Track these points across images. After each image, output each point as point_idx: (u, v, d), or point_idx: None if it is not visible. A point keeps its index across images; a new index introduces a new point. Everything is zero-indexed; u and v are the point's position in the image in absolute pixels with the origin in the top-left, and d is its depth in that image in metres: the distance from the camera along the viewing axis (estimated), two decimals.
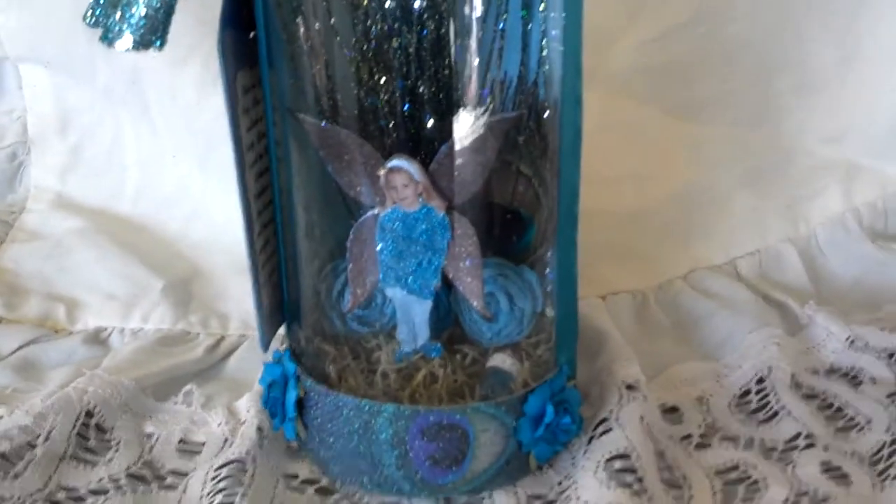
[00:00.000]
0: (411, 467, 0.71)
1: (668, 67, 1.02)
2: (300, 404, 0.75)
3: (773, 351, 0.89)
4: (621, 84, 1.00)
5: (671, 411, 0.85)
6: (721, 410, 0.86)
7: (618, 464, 0.72)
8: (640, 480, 0.70)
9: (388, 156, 0.67)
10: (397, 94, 0.68)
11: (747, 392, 0.87)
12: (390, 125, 0.69)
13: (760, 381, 0.87)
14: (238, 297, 1.01)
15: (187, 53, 0.99)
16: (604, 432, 0.76)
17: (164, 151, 1.07)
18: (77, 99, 1.07)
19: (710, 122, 1.06)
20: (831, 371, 0.90)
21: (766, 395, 0.86)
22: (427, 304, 0.72)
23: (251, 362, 0.92)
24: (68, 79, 1.05)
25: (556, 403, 0.74)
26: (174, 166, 1.07)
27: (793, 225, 1.09)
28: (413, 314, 0.73)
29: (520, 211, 0.75)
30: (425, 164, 0.67)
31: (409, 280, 0.71)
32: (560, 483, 0.75)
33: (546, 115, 0.72)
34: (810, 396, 0.86)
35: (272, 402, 0.77)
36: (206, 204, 1.07)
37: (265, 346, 0.77)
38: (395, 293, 0.72)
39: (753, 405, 0.86)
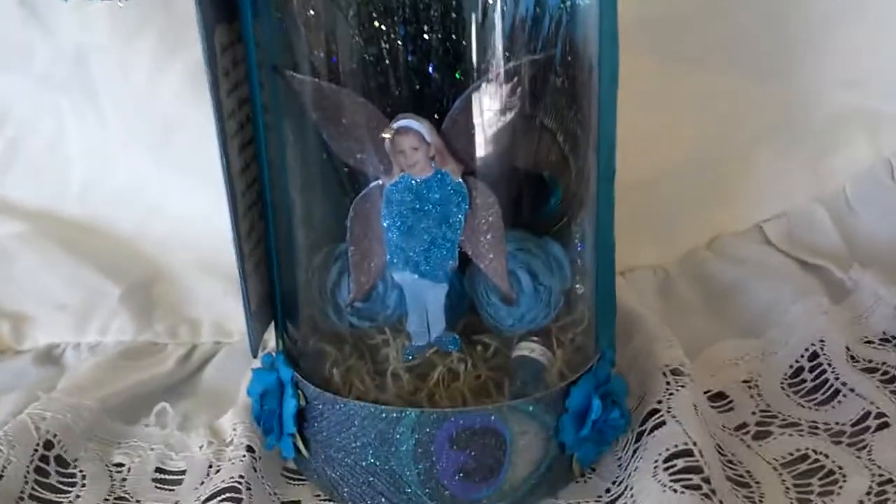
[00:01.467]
0: (439, 483, 0.66)
1: (668, 17, 0.97)
2: (300, 416, 0.70)
3: (822, 322, 0.85)
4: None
5: (718, 398, 0.81)
6: (773, 393, 0.81)
7: (680, 462, 0.66)
8: (706, 481, 0.64)
9: (393, 116, 0.62)
10: (401, 43, 0.63)
11: (800, 370, 0.83)
12: (395, 80, 0.64)
13: (813, 356, 0.82)
14: (208, 299, 0.97)
15: (139, 25, 0.93)
16: (655, 426, 0.70)
17: (113, 140, 1.00)
18: (11, 87, 1.00)
19: (718, 72, 1.00)
20: (885, 340, 0.85)
21: (823, 373, 0.81)
22: (442, 290, 0.67)
23: (231, 372, 0.89)
24: (0, 65, 0.99)
25: (603, 396, 0.69)
26: (126, 156, 1.00)
27: (819, 181, 1.05)
28: (426, 301, 0.67)
29: (542, 174, 0.70)
30: (437, 124, 0.62)
31: (422, 261, 0.65)
32: (609, 490, 0.70)
33: (575, 55, 0.66)
34: (870, 370, 0.81)
35: (266, 416, 0.71)
36: (165, 197, 1.00)
37: (254, 348, 0.73)
38: (404, 278, 0.66)
39: (809, 384, 0.81)
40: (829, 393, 0.79)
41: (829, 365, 0.81)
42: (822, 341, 0.83)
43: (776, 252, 1.00)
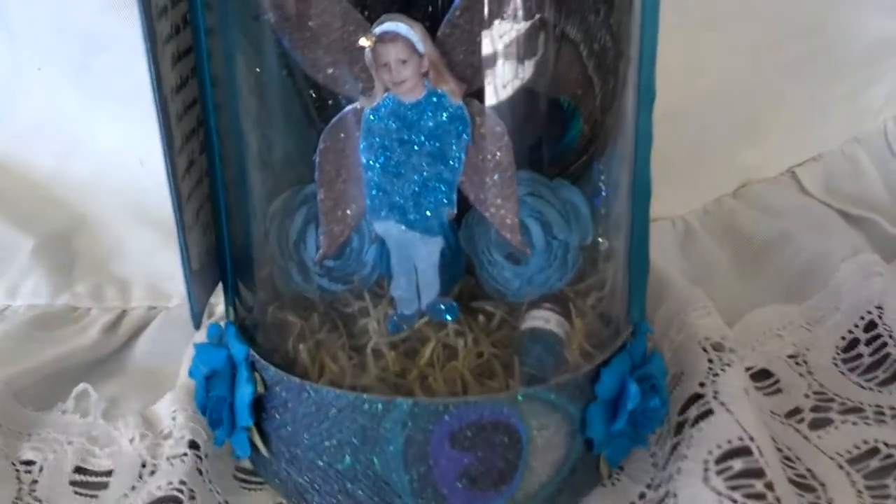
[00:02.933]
0: (436, 492, 0.61)
1: None
2: (258, 405, 0.65)
3: (878, 284, 0.80)
4: None
5: (762, 376, 0.76)
6: (826, 370, 0.76)
7: (737, 464, 0.59)
8: (770, 487, 0.58)
9: (375, 18, 0.58)
10: None
11: (854, 342, 0.77)
12: None
13: (870, 326, 0.77)
14: (140, 252, 0.92)
15: None
16: (700, 416, 0.64)
17: (25, 62, 0.94)
18: None
19: None
20: None
21: (883, 346, 0.76)
22: (436, 244, 0.62)
23: (169, 344, 0.84)
24: None
25: (640, 379, 0.63)
26: (41, 82, 0.94)
27: (857, 118, 1.00)
28: (415, 259, 0.62)
29: (558, 98, 0.65)
30: (432, 30, 0.58)
31: (410, 208, 0.61)
32: (644, 496, 0.65)
33: None
34: None
35: (214, 404, 0.66)
36: (86, 130, 0.94)
37: (197, 317, 0.68)
38: (388, 229, 0.62)
39: (867, 360, 0.76)
40: (892, 370, 0.75)
41: (891, 337, 0.76)
42: (879, 308, 0.78)
43: (814, 201, 0.97)
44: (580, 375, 0.62)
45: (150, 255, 0.92)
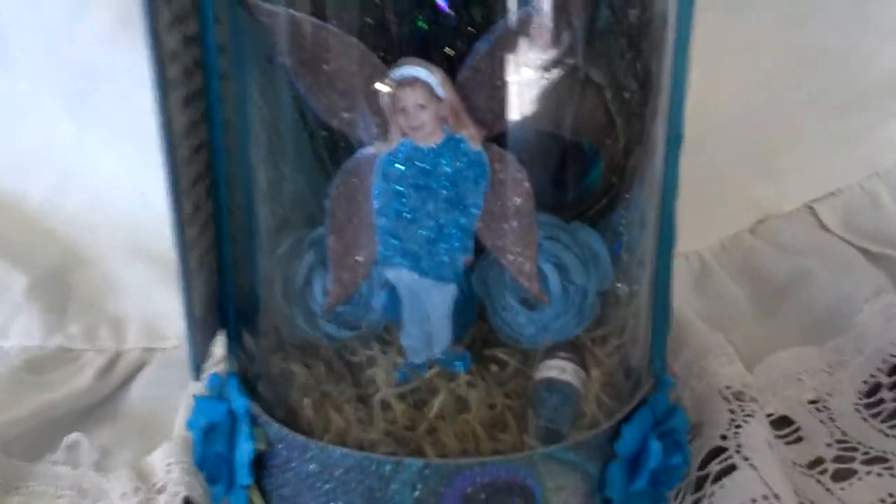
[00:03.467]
0: None
1: None
2: (258, 463, 0.63)
3: None
4: None
5: (783, 423, 0.74)
6: (848, 417, 0.75)
7: None
8: None
9: (393, 61, 0.56)
10: None
11: (876, 387, 0.76)
12: (395, 12, 0.59)
13: (894, 370, 0.76)
14: (136, 288, 0.91)
15: None
16: (723, 471, 0.63)
17: (21, 94, 0.95)
18: None
19: (761, 23, 0.94)
20: None
21: None
22: (449, 292, 0.60)
23: (166, 388, 0.82)
24: None
25: (662, 435, 0.61)
26: (36, 113, 0.95)
27: (876, 152, 0.98)
28: (428, 307, 0.61)
29: (581, 141, 0.64)
30: (451, 74, 0.56)
31: (424, 255, 0.59)
32: None
33: None
34: None
35: (212, 461, 0.65)
36: (82, 163, 0.95)
37: (197, 367, 0.66)
38: (400, 276, 0.60)
39: (889, 405, 0.75)
40: None
41: None
42: None
43: (833, 238, 0.95)
44: (600, 432, 0.60)
45: (147, 291, 0.91)
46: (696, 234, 0.93)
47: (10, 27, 0.93)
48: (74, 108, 0.94)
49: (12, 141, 0.96)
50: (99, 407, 0.82)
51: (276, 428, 0.62)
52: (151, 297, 0.91)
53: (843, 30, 0.97)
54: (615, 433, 0.60)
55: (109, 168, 0.94)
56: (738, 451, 0.64)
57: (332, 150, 0.62)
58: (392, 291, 0.62)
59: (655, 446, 0.60)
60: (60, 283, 0.93)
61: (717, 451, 0.65)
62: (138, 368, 0.86)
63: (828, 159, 0.99)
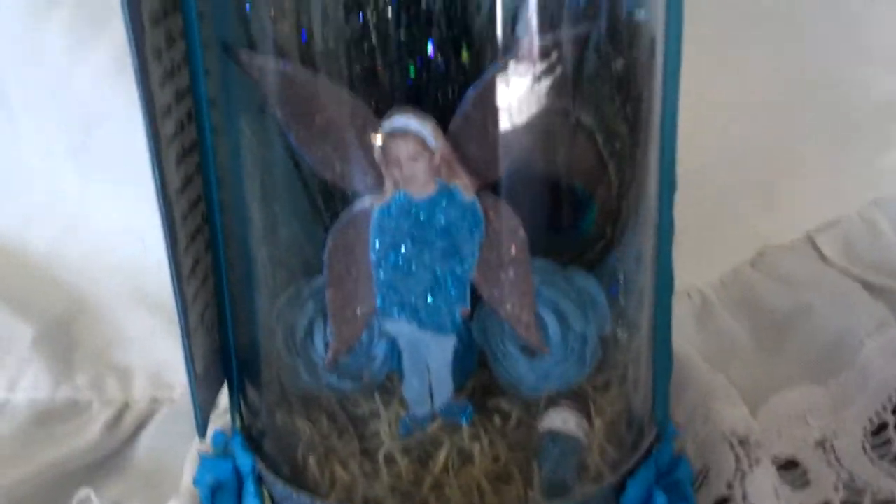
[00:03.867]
0: None
1: None
2: None
3: None
4: None
5: (789, 467, 0.73)
6: (855, 457, 0.73)
7: None
8: None
9: (384, 112, 0.56)
10: (393, 12, 0.57)
11: (883, 426, 0.75)
12: (385, 63, 0.58)
13: None
14: (141, 337, 0.90)
15: None
16: None
17: (20, 139, 0.94)
18: None
19: (757, 51, 0.94)
20: None
21: None
22: (449, 343, 0.60)
23: (173, 440, 0.80)
24: None
25: (668, 487, 0.61)
26: (38, 159, 0.95)
27: (875, 181, 0.98)
28: (428, 359, 0.60)
29: (574, 185, 0.64)
30: (443, 123, 0.56)
31: (422, 307, 0.59)
32: None
33: (628, 27, 0.60)
34: None
35: None
36: (84, 209, 0.95)
37: (202, 425, 0.66)
38: (399, 329, 0.60)
39: None
40: None
41: None
42: None
43: (834, 270, 0.94)
44: (605, 486, 0.60)
45: (152, 340, 0.90)
46: (696, 269, 0.93)
47: (10, 77, 0.93)
48: (75, 155, 0.94)
49: (15, 189, 0.96)
50: (108, 461, 0.81)
51: (281, 487, 0.62)
52: (156, 345, 0.89)
53: (840, 59, 0.97)
54: (620, 486, 0.60)
55: (111, 215, 0.94)
56: (744, 500, 0.64)
57: (327, 198, 0.62)
58: (393, 340, 0.61)
59: (661, 500, 0.60)
60: (66, 332, 0.92)
61: (723, 501, 0.65)
62: (146, 420, 0.85)
63: (826, 189, 0.99)
